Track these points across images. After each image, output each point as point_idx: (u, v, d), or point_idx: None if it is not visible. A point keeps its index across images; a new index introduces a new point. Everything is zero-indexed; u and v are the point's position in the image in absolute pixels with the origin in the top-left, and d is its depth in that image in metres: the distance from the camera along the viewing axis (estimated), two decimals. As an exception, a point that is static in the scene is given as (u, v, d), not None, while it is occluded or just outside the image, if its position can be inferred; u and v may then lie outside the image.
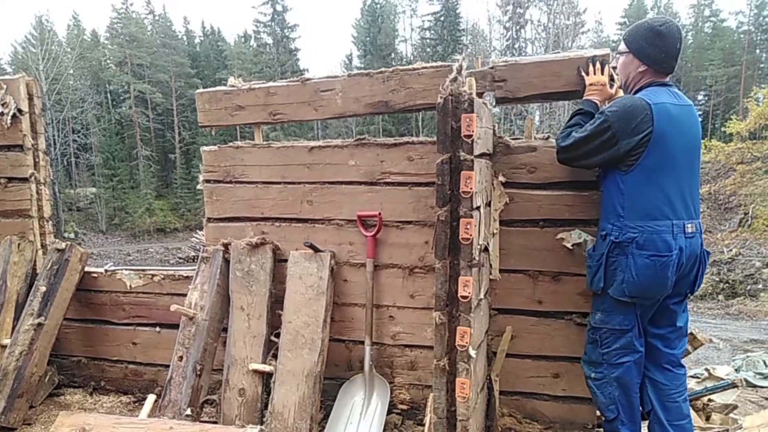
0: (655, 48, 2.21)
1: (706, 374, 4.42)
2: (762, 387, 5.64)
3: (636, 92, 2.27)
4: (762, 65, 42.22)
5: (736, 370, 6.13)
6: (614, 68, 2.42)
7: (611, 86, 2.45)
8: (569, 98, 2.67)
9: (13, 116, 3.47)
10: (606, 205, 2.31)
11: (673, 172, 2.16)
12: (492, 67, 2.67)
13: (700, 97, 48.11)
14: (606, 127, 2.16)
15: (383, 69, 2.85)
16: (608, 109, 2.19)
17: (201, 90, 3.22)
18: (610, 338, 2.30)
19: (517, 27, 40.26)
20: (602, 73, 2.45)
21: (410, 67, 2.79)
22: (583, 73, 2.48)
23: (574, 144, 2.27)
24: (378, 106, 2.82)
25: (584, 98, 2.45)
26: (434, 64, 2.78)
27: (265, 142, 3.11)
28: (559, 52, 2.77)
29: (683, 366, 2.41)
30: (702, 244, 2.27)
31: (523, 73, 2.63)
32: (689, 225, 2.19)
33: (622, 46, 2.31)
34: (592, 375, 2.38)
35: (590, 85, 2.44)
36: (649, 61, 2.23)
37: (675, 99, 2.20)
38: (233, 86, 3.10)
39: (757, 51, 43.93)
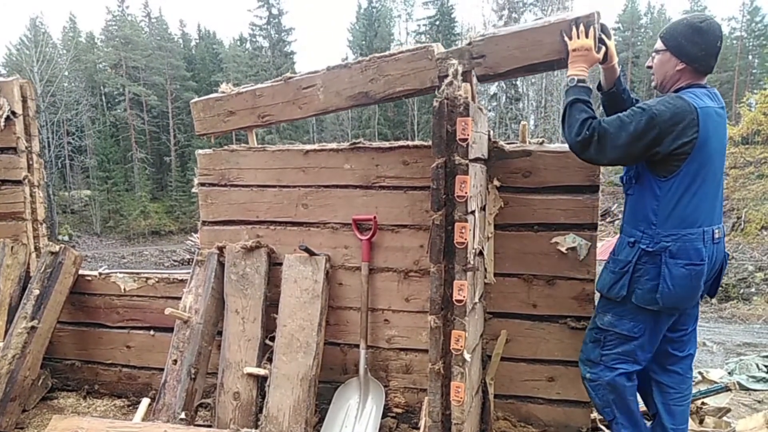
0: (695, 45, 2.07)
1: (699, 377, 4.43)
2: (755, 390, 5.67)
3: (675, 93, 2.14)
4: (754, 71, 42.61)
5: (729, 373, 6.15)
6: (649, 67, 2.27)
7: (598, 50, 2.25)
8: (554, 68, 2.48)
9: (7, 118, 3.45)
10: (635, 211, 2.19)
11: (709, 177, 2.09)
12: (469, 43, 2.49)
13: (693, 102, 48.43)
14: (653, 125, 2.00)
15: (361, 59, 2.76)
16: (655, 107, 2.01)
17: (196, 99, 3.20)
18: (614, 341, 2.24)
19: (512, 32, 40.41)
20: (587, 36, 2.22)
21: (387, 53, 2.70)
22: (566, 38, 2.25)
23: (612, 141, 2.04)
24: (359, 98, 2.75)
25: (571, 69, 2.23)
26: (410, 47, 2.66)
27: (260, 146, 3.11)
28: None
29: (691, 369, 2.36)
30: (724, 247, 2.24)
31: (502, 46, 2.43)
32: (716, 230, 2.14)
33: (659, 44, 2.18)
34: (587, 375, 2.35)
35: (573, 50, 2.22)
36: (689, 59, 2.10)
37: (716, 102, 2.12)
38: (224, 92, 3.09)
39: (750, 57, 44.36)
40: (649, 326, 2.20)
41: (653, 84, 2.28)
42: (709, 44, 2.08)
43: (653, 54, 2.23)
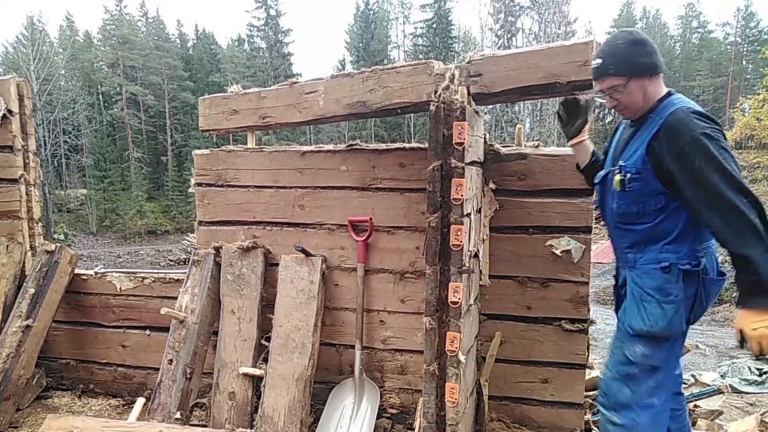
0: (650, 55, 1.92)
1: (692, 380, 4.47)
2: (747, 393, 5.71)
3: (657, 105, 1.94)
4: (748, 76, 42.90)
5: (721, 376, 6.20)
6: (614, 107, 2.03)
7: (583, 124, 2.27)
8: (548, 91, 2.49)
9: (3, 117, 3.45)
10: (656, 233, 1.94)
11: None
12: (468, 62, 2.54)
13: (688, 107, 48.73)
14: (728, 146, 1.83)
15: (364, 69, 2.79)
16: (712, 131, 1.78)
17: (205, 96, 3.25)
18: (643, 375, 1.96)
19: (509, 35, 40.62)
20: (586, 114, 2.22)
21: (389, 66, 2.74)
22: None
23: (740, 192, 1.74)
24: (356, 107, 2.77)
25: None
26: (412, 61, 2.70)
27: (257, 147, 3.13)
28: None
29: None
30: None
31: (500, 67, 2.47)
32: None
33: (615, 81, 1.92)
34: (620, 421, 1.97)
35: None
36: (655, 68, 1.93)
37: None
38: (232, 92, 3.13)
39: (744, 62, 44.70)
40: (675, 350, 2.02)
41: (627, 117, 2.04)
42: (655, 46, 1.96)
43: (612, 95, 1.95)
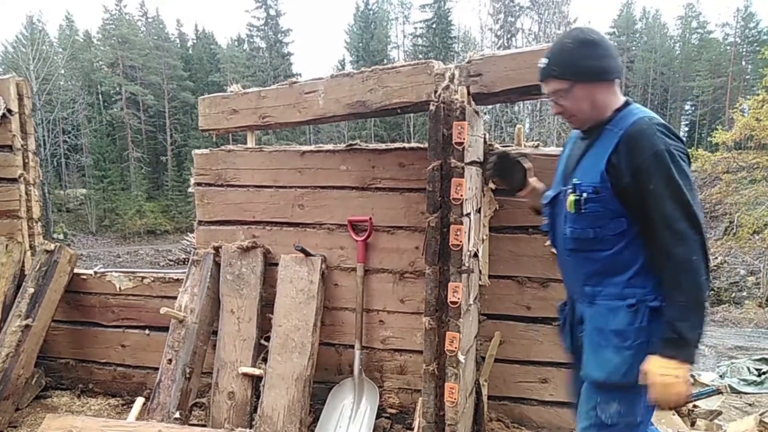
0: (601, 58, 1.67)
1: (691, 380, 4.48)
2: (746, 393, 5.72)
3: (614, 116, 1.69)
4: (747, 77, 42.94)
5: (720, 376, 6.20)
6: (558, 114, 1.80)
7: (522, 184, 2.12)
8: None
9: (3, 116, 3.45)
10: (627, 260, 1.66)
11: None
12: (468, 62, 2.55)
13: (687, 107, 48.91)
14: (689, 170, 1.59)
15: (363, 69, 2.79)
16: (676, 149, 1.57)
17: (204, 96, 3.25)
18: None
19: (509, 35, 40.64)
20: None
21: (389, 65, 2.74)
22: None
23: (691, 222, 1.54)
24: (356, 107, 2.78)
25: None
26: (412, 61, 2.70)
27: (257, 146, 3.13)
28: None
29: None
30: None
31: (499, 67, 2.48)
32: None
33: (559, 84, 1.69)
34: None
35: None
36: (606, 74, 1.68)
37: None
38: (232, 92, 3.14)
39: (743, 63, 44.74)
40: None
41: (576, 126, 1.81)
42: (611, 48, 1.70)
43: (556, 101, 1.73)
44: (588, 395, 1.73)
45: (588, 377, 1.71)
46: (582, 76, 1.67)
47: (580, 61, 1.67)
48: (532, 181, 2.14)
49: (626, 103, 1.72)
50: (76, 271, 3.47)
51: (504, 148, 2.16)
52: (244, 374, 2.86)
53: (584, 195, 1.66)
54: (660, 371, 1.52)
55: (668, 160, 1.55)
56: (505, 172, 2.15)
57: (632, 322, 1.63)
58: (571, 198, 1.69)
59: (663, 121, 1.64)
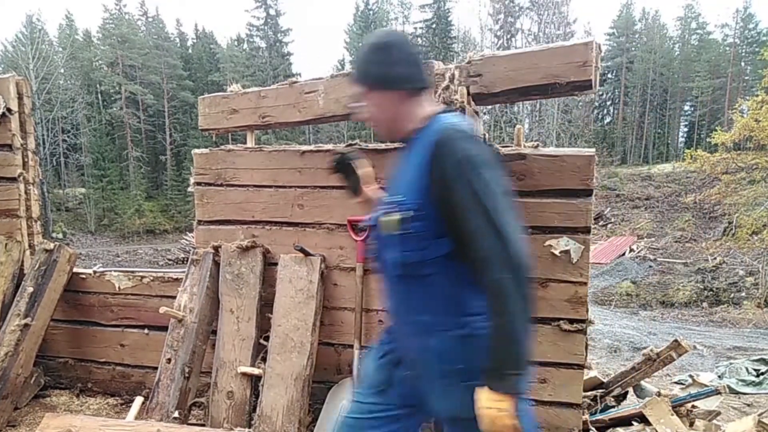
0: (394, 65, 1.56)
1: (690, 381, 4.47)
2: (745, 394, 5.73)
3: (426, 125, 1.56)
4: (747, 77, 43.01)
5: (719, 376, 6.22)
6: (366, 119, 1.67)
7: (355, 189, 1.98)
8: (548, 92, 2.46)
9: (2, 115, 3.45)
10: (458, 288, 1.50)
11: None
12: (468, 62, 2.55)
13: (686, 108, 48.99)
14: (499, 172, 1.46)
15: None
16: (474, 151, 1.43)
17: (204, 95, 3.25)
18: None
19: (508, 36, 40.70)
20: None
21: None
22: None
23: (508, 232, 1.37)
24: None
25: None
26: None
27: (256, 146, 3.13)
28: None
29: None
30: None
31: (499, 67, 2.48)
32: None
33: (357, 89, 1.62)
34: None
35: None
36: (401, 83, 1.56)
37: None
38: (232, 91, 3.14)
39: (742, 63, 44.81)
40: None
41: (383, 135, 1.68)
42: (409, 55, 1.58)
43: (357, 105, 1.65)
44: None
45: (438, 414, 1.59)
46: (373, 82, 1.57)
47: (370, 67, 1.58)
48: (370, 189, 1.95)
49: (437, 113, 1.59)
50: (75, 270, 3.47)
51: (348, 149, 1.93)
52: (243, 374, 2.86)
53: (410, 213, 1.47)
54: (486, 404, 1.38)
55: (469, 168, 1.40)
56: (345, 174, 1.94)
57: (470, 353, 1.46)
58: (395, 217, 1.50)
59: (467, 128, 1.52)
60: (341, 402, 2.90)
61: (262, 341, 2.94)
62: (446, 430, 1.62)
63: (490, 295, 1.38)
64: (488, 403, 1.38)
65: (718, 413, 3.50)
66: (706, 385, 3.99)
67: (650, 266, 20.83)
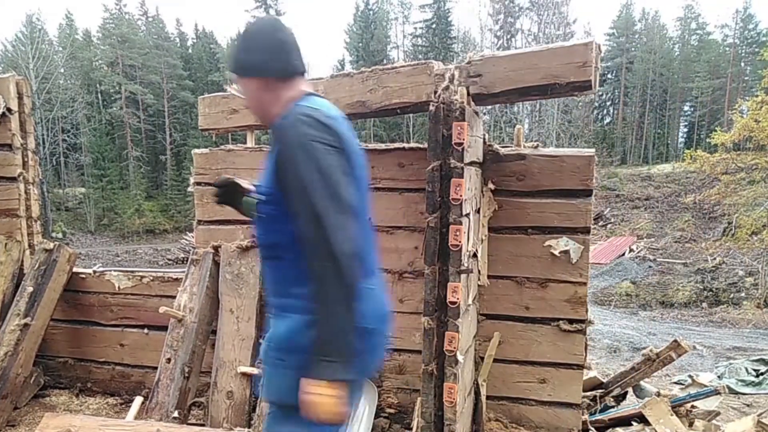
0: (256, 52, 1.56)
1: (689, 381, 4.47)
2: (744, 394, 5.74)
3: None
4: (746, 78, 43.00)
5: (718, 377, 6.22)
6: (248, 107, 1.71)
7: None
8: (548, 92, 2.48)
9: (2, 115, 3.44)
10: (289, 274, 1.50)
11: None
12: (468, 62, 2.55)
13: (686, 108, 48.98)
14: (337, 150, 1.43)
15: (363, 69, 2.79)
16: (311, 136, 1.40)
17: (204, 95, 3.25)
18: None
19: (508, 36, 40.71)
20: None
21: (389, 66, 2.74)
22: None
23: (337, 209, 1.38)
24: (356, 107, 2.76)
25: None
26: (412, 61, 2.70)
27: (256, 146, 3.13)
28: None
29: None
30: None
31: (499, 67, 2.48)
32: None
33: (234, 78, 1.63)
34: None
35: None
36: (262, 71, 1.55)
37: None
38: (232, 91, 3.13)
39: (742, 64, 44.80)
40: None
41: (260, 122, 1.67)
42: (272, 41, 1.54)
43: (237, 93, 1.69)
44: (267, 416, 1.59)
45: (266, 398, 1.58)
46: (239, 70, 1.59)
47: (236, 55, 1.59)
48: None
49: (297, 97, 1.56)
50: (75, 270, 3.47)
51: (226, 177, 1.81)
52: (243, 374, 2.86)
53: (263, 198, 1.54)
54: (307, 390, 1.36)
55: (300, 152, 1.39)
56: (232, 200, 1.87)
57: (297, 338, 1.46)
58: (250, 201, 1.66)
59: (321, 112, 1.47)
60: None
61: (261, 341, 2.93)
62: (271, 415, 1.58)
63: (311, 282, 1.38)
64: (309, 389, 1.37)
65: (718, 413, 3.50)
66: (705, 386, 4.00)
67: (650, 266, 20.85)
